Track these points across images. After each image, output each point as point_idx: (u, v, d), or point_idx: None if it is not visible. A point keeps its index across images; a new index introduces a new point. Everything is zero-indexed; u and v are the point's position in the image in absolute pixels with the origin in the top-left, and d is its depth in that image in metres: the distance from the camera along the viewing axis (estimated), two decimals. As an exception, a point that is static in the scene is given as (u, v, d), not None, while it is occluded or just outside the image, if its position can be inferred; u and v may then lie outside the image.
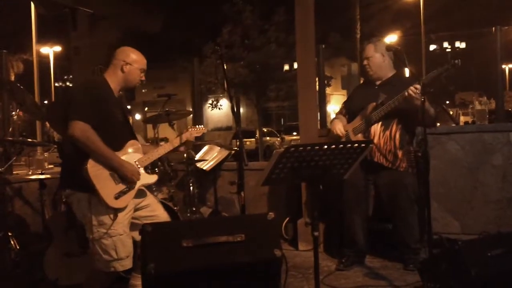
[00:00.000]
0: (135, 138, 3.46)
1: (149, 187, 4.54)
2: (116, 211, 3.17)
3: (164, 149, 3.55)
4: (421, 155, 4.03)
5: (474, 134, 4.88)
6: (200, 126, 3.80)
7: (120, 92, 3.48)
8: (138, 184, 3.30)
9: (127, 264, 3.24)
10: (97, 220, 3.14)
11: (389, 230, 4.42)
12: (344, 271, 4.28)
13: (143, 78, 3.50)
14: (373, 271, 4.27)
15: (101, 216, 3.14)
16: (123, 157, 3.26)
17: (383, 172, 4.21)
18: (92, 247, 3.20)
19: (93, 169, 3.08)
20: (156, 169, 4.68)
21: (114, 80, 3.37)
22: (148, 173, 3.42)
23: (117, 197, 3.16)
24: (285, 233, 5.31)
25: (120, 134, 3.33)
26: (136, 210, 3.35)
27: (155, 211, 3.47)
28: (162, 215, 3.50)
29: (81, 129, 3.04)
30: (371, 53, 4.30)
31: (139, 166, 3.32)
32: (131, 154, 3.32)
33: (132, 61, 3.40)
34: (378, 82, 4.36)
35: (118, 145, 3.27)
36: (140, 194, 3.37)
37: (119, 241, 3.18)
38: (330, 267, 4.41)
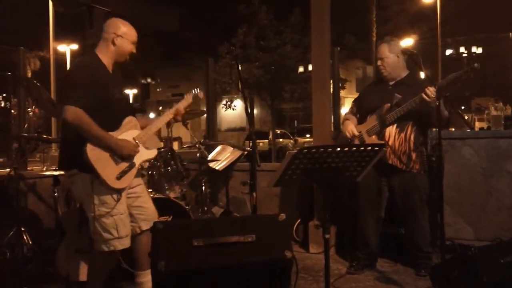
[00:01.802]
0: (132, 114, 3.43)
1: (161, 185, 4.61)
2: (119, 191, 3.19)
3: (161, 121, 3.51)
4: (435, 159, 4.00)
5: (489, 140, 4.83)
6: (196, 90, 3.71)
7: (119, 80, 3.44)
8: (139, 161, 3.31)
9: (126, 243, 3.26)
10: (99, 199, 3.16)
11: (401, 235, 4.40)
12: (355, 274, 4.26)
13: (134, 51, 3.42)
14: (384, 275, 4.24)
15: (103, 195, 3.16)
16: (121, 135, 3.25)
17: (396, 174, 4.19)
18: (92, 226, 3.21)
19: (93, 152, 3.08)
20: (169, 168, 4.70)
21: (106, 54, 3.32)
22: (147, 148, 3.40)
23: (119, 177, 3.18)
24: (296, 234, 5.29)
25: (117, 112, 3.30)
26: (128, 197, 3.35)
27: (145, 202, 3.48)
28: (151, 208, 3.50)
29: (73, 113, 3.04)
30: (386, 53, 4.24)
31: (138, 142, 3.31)
32: (129, 132, 3.30)
33: (123, 33, 3.33)
34: (391, 82, 4.31)
35: (116, 123, 3.26)
36: (138, 174, 3.40)
37: (119, 220, 3.21)
38: (340, 270, 4.40)
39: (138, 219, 3.39)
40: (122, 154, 3.19)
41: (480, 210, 4.81)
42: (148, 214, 3.44)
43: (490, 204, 4.78)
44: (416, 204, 4.16)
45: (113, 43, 3.32)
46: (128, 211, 3.35)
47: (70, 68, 3.41)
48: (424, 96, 3.84)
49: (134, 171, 3.28)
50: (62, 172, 4.59)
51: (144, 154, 3.37)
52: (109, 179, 3.13)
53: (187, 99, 3.63)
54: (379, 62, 4.30)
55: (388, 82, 4.32)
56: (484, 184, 4.80)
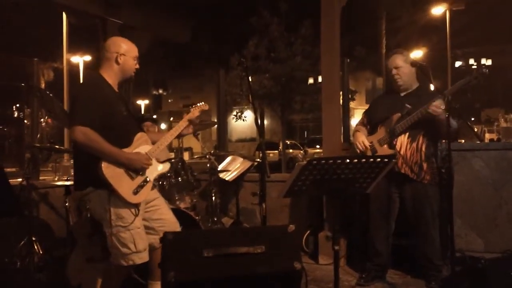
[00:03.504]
0: (142, 130, 3.47)
1: (172, 196, 4.63)
2: (136, 205, 3.22)
3: (171, 135, 3.54)
4: (445, 171, 4.00)
5: (500, 152, 4.82)
6: (201, 103, 3.75)
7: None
8: (153, 175, 3.35)
9: (145, 256, 3.29)
10: (116, 214, 3.18)
11: (412, 246, 4.39)
12: (364, 286, 4.25)
13: (138, 66, 3.47)
14: (394, 287, 4.23)
15: (120, 209, 3.19)
16: (134, 151, 3.27)
17: (408, 185, 4.17)
18: (110, 242, 3.23)
19: (108, 170, 3.12)
20: (180, 178, 4.73)
21: (110, 74, 3.36)
22: (160, 162, 3.44)
23: (136, 192, 3.21)
24: (305, 246, 5.29)
25: (126, 129, 3.34)
26: (147, 211, 3.40)
27: (165, 214, 3.51)
28: (172, 219, 3.53)
29: (82, 133, 3.08)
30: (401, 63, 4.22)
31: (150, 157, 3.34)
32: (140, 147, 3.33)
33: (125, 51, 3.37)
34: (402, 93, 4.30)
35: (127, 141, 3.29)
36: (154, 186, 3.43)
37: (137, 234, 3.24)
38: (350, 281, 4.39)
39: (160, 231, 3.40)
40: (134, 167, 3.22)
41: (490, 222, 4.79)
42: (169, 225, 3.47)
43: (500, 216, 4.76)
44: (427, 216, 4.14)
45: (117, 62, 3.35)
46: (149, 224, 3.39)
47: (76, 90, 3.44)
48: (430, 109, 3.85)
49: (149, 185, 3.31)
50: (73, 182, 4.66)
51: (158, 168, 3.41)
52: (126, 194, 3.16)
53: (193, 113, 3.68)
54: (394, 71, 4.26)
55: (399, 93, 4.32)
56: (494, 196, 4.78)
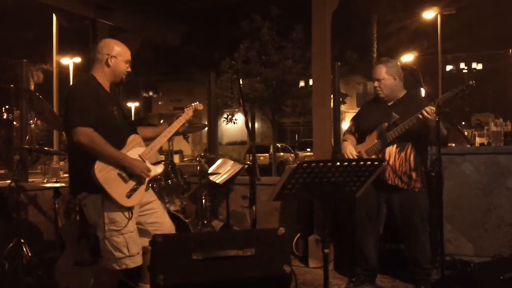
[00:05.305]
0: (135, 131, 3.44)
1: (161, 198, 4.61)
2: (130, 209, 3.20)
3: (165, 136, 3.52)
4: (435, 175, 4.00)
5: (489, 156, 4.84)
6: (195, 103, 3.74)
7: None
8: (147, 178, 3.32)
9: (138, 260, 3.27)
10: (109, 218, 3.17)
11: (401, 251, 4.39)
12: (354, 289, 4.25)
13: (129, 70, 3.45)
14: (383, 291, 4.23)
15: (113, 213, 3.17)
16: (127, 154, 3.26)
17: (397, 192, 4.16)
18: (103, 246, 3.22)
19: (101, 173, 3.09)
20: (170, 181, 4.71)
21: (102, 75, 3.34)
22: (153, 164, 3.42)
23: (129, 195, 3.19)
24: (295, 249, 5.28)
25: (119, 131, 3.31)
26: (142, 215, 3.38)
27: (161, 218, 3.49)
28: (167, 223, 3.51)
29: (84, 134, 3.06)
30: (383, 75, 4.21)
31: (144, 159, 3.32)
32: (133, 150, 3.31)
33: (116, 53, 3.35)
34: (390, 103, 4.28)
35: (120, 142, 3.26)
36: (147, 188, 3.40)
37: (130, 238, 3.22)
38: (340, 285, 4.39)
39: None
40: (134, 173, 3.20)
41: (480, 227, 4.82)
42: (164, 229, 3.44)
43: (490, 221, 4.78)
44: (417, 222, 4.12)
45: (107, 64, 3.33)
46: (144, 228, 3.37)
47: (70, 91, 3.38)
48: (419, 115, 3.85)
49: (143, 188, 3.29)
50: (62, 184, 4.63)
51: (152, 171, 3.38)
52: (119, 198, 3.14)
53: (187, 113, 3.66)
54: (376, 83, 4.27)
55: (387, 102, 4.31)
56: (484, 201, 4.81)
